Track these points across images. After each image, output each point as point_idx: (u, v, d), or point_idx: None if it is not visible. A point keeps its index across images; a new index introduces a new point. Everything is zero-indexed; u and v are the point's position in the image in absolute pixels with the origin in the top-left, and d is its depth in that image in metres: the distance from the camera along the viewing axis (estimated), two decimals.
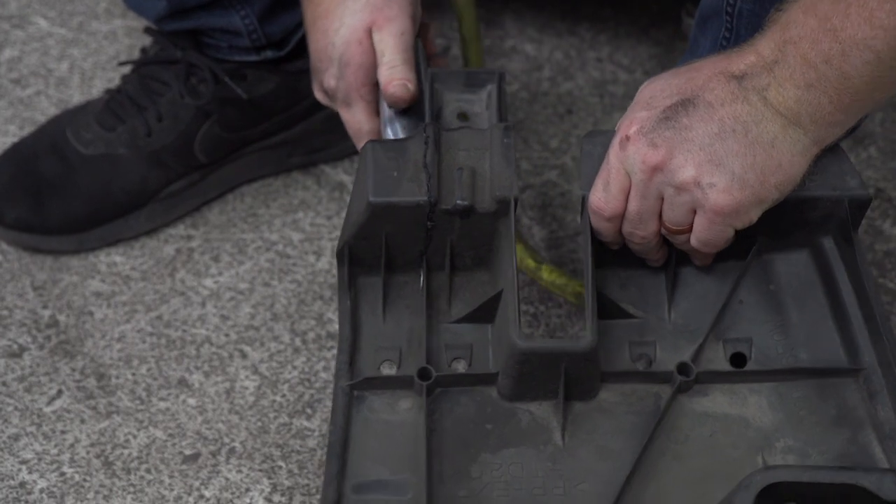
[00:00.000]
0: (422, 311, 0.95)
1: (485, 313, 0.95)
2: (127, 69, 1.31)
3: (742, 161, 0.84)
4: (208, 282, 1.21)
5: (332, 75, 1.03)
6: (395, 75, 1.00)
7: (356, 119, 1.04)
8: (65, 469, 1.07)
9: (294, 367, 1.14)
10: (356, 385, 0.91)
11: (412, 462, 0.88)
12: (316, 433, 1.09)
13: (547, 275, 1.08)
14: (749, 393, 0.92)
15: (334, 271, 1.21)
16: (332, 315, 1.18)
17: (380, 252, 0.94)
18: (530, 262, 1.09)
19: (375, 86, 1.03)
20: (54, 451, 1.08)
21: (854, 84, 0.82)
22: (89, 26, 1.45)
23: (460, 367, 0.94)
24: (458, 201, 0.91)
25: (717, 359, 0.94)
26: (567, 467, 0.89)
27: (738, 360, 0.94)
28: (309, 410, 1.11)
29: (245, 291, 1.20)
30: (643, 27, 1.47)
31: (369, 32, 1.01)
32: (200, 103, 1.22)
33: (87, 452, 1.08)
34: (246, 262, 1.22)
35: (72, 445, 1.08)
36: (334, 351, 1.15)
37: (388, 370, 0.93)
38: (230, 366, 1.14)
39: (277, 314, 1.18)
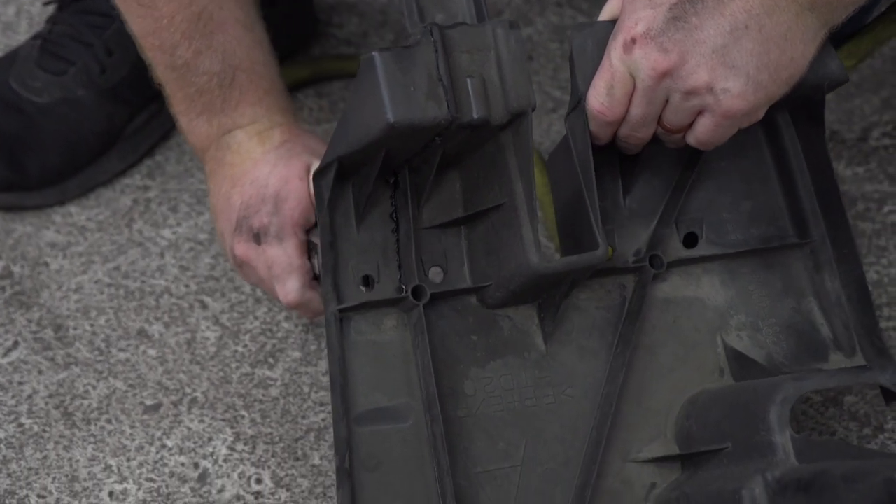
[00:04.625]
0: (404, 219, 0.90)
1: (464, 219, 0.91)
2: (50, 10, 1.27)
3: (757, 61, 0.81)
4: (166, 232, 1.19)
5: (265, 213, 0.98)
6: None
7: (287, 254, 0.98)
8: (23, 420, 1.05)
9: (255, 318, 1.13)
10: (346, 309, 0.87)
11: (407, 385, 0.87)
12: (278, 382, 1.08)
13: None
14: (702, 273, 0.94)
15: None
16: None
17: (369, 166, 0.87)
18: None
19: (306, 227, 0.98)
20: (12, 402, 1.06)
21: None
22: None
23: (436, 276, 0.91)
24: (475, 115, 0.83)
25: (672, 241, 0.94)
26: (553, 373, 0.90)
27: (690, 240, 0.95)
28: (271, 360, 1.10)
29: (204, 242, 1.19)
30: None
31: (308, 171, 0.98)
32: None
33: (46, 403, 1.06)
34: (205, 213, 1.21)
35: (30, 396, 1.07)
36: None
37: (367, 287, 0.89)
38: (190, 316, 1.13)
39: None
